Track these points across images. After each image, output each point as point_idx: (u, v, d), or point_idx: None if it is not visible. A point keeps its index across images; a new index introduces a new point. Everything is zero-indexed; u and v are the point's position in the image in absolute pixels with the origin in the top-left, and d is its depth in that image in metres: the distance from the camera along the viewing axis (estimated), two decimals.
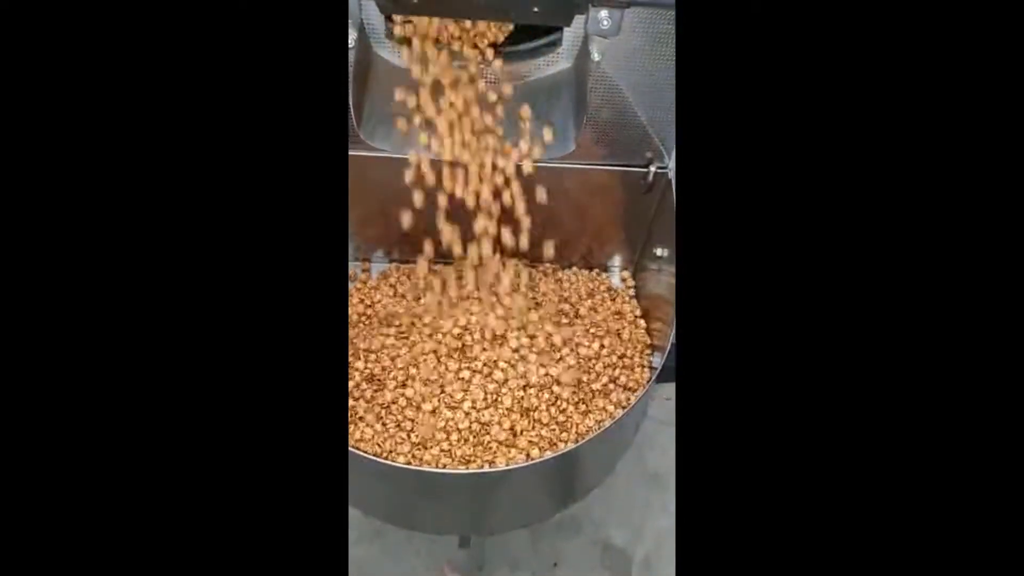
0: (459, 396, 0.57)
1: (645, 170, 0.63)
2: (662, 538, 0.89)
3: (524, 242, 0.57)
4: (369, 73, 0.53)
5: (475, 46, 0.51)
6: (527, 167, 0.56)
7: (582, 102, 0.55)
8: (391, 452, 0.55)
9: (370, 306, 0.67)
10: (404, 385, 0.58)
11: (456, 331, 0.60)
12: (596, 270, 0.72)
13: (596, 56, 0.52)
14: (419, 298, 0.65)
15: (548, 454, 0.54)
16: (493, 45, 0.51)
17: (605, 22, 0.49)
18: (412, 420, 0.56)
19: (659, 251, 0.65)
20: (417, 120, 0.53)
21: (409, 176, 0.55)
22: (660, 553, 0.88)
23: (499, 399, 0.56)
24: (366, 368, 0.60)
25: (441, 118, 0.52)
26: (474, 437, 0.55)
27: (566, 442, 0.56)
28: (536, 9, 0.44)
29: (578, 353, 0.61)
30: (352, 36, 0.50)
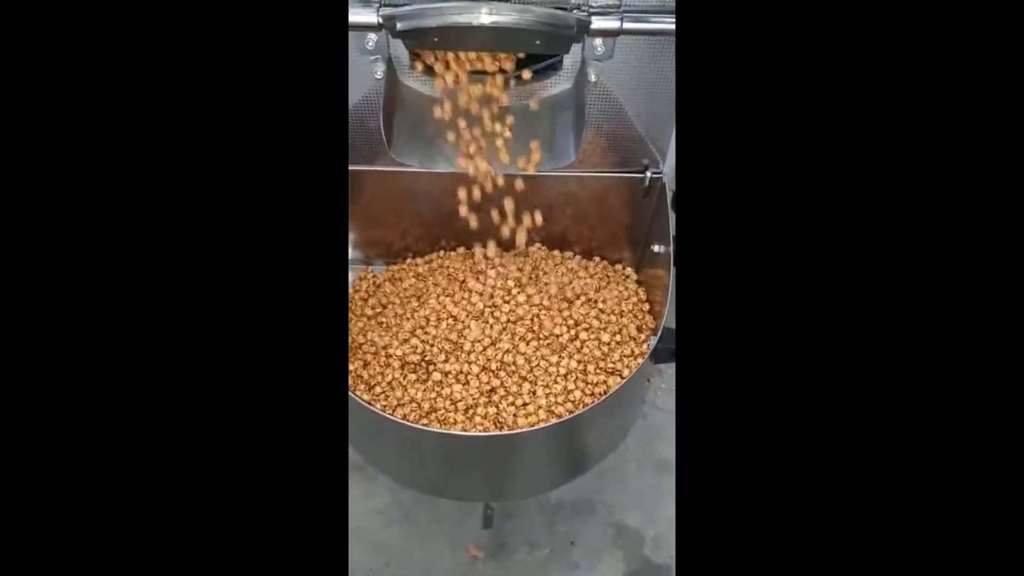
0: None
1: (642, 175, 0.70)
2: (671, 521, 0.95)
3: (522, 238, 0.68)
4: (396, 100, 0.62)
5: (495, 71, 0.59)
6: (531, 172, 0.64)
7: (581, 117, 0.63)
8: (432, 418, 0.64)
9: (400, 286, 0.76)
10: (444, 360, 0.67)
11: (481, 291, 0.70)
12: (604, 261, 0.81)
13: (593, 77, 0.60)
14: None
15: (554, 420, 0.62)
16: (502, 71, 0.60)
17: (600, 48, 0.58)
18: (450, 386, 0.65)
19: (656, 248, 0.72)
20: (449, 136, 0.62)
21: (462, 193, 0.65)
22: (669, 534, 0.94)
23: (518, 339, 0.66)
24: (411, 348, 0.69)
25: (464, 135, 0.61)
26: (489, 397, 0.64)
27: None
28: (538, 42, 0.53)
29: (581, 319, 0.69)
30: (381, 69, 0.59)
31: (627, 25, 0.54)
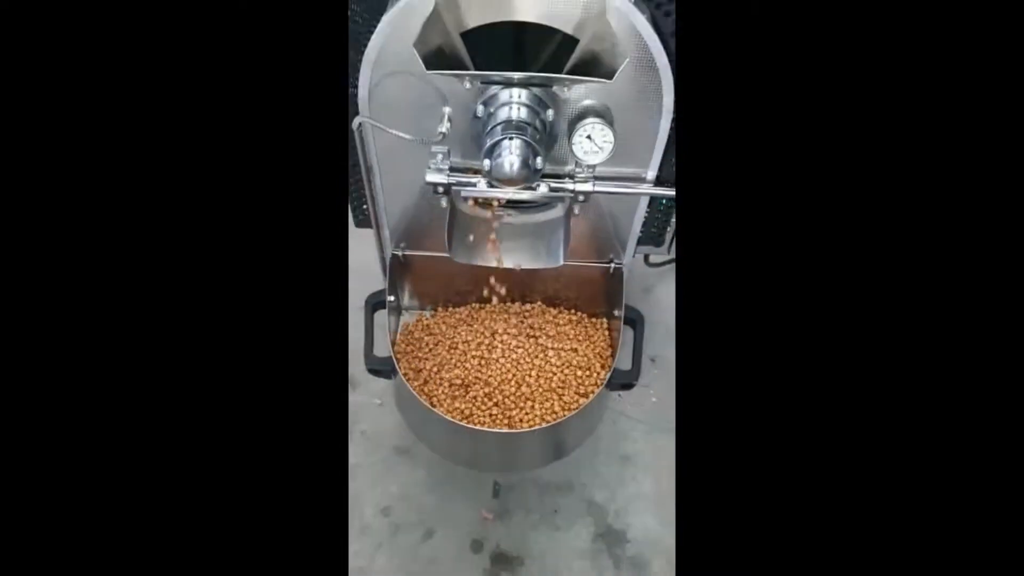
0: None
1: (608, 265, 1.05)
2: (629, 499, 1.30)
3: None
4: (455, 219, 0.97)
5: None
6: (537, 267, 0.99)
7: (567, 233, 0.97)
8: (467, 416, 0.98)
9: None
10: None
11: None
12: (582, 313, 1.15)
13: (576, 211, 0.95)
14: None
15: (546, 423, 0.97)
16: (517, 203, 0.94)
17: (581, 198, 0.92)
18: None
19: (616, 312, 1.07)
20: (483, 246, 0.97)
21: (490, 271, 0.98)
22: (627, 508, 1.28)
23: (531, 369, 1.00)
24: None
25: (491, 245, 0.96)
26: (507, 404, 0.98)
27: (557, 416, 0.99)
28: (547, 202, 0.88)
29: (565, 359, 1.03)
30: (445, 200, 0.93)
31: (597, 187, 0.88)
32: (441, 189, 0.84)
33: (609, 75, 0.72)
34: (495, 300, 1.03)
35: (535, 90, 0.78)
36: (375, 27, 0.75)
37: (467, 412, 0.96)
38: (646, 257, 1.60)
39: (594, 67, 0.75)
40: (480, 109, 0.79)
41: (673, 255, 1.43)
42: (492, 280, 1.00)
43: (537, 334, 1.06)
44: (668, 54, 0.74)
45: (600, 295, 1.09)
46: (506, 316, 1.07)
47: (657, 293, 1.63)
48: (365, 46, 0.76)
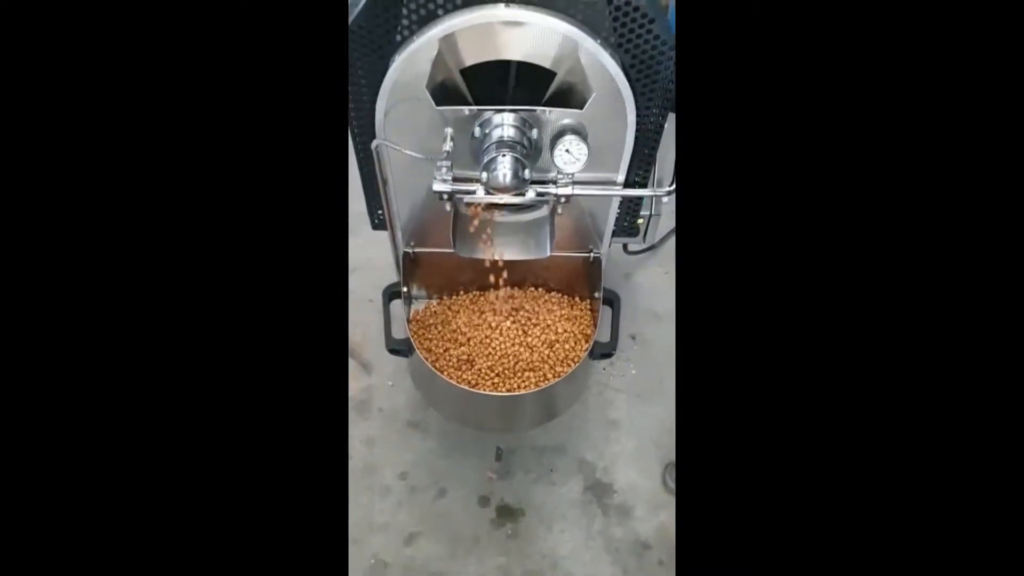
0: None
1: (588, 254, 1.23)
2: (614, 457, 1.48)
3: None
4: (458, 220, 1.14)
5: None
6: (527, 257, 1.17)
7: (552, 229, 1.15)
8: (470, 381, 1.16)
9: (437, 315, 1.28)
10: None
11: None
12: (567, 296, 1.33)
13: (560, 211, 1.12)
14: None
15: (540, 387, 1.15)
16: (509, 206, 1.11)
17: (563, 199, 1.10)
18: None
19: (596, 294, 1.25)
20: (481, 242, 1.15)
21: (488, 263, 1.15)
22: (613, 465, 1.46)
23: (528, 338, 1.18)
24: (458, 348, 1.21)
25: (488, 241, 1.14)
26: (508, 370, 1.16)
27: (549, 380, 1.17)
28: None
29: (553, 336, 1.22)
30: (448, 206, 1.11)
31: (576, 190, 1.06)
32: (446, 196, 1.01)
33: (580, 105, 0.90)
34: (501, 284, 1.20)
35: (522, 114, 0.95)
36: (376, 94, 0.91)
37: (473, 382, 1.14)
38: (625, 246, 1.78)
39: (569, 96, 0.92)
40: (477, 130, 0.97)
41: (647, 244, 1.61)
42: (497, 267, 1.18)
43: (530, 315, 1.24)
44: (630, 83, 0.92)
45: (583, 280, 1.27)
46: (503, 300, 1.25)
47: (636, 279, 1.82)
48: (366, 103, 0.92)
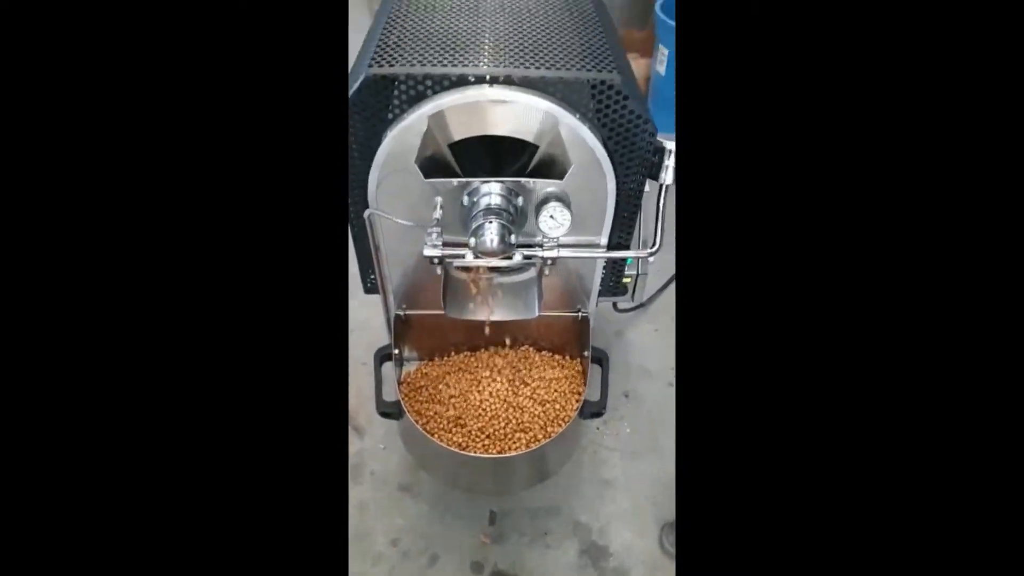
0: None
1: (577, 314, 1.26)
2: (609, 517, 1.46)
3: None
4: (448, 283, 1.18)
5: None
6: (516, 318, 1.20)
7: (540, 289, 1.18)
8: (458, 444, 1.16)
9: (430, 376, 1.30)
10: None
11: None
12: (557, 355, 1.35)
13: (547, 272, 1.16)
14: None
15: (530, 447, 1.15)
16: (497, 269, 1.15)
17: (549, 261, 1.14)
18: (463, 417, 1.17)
19: (585, 353, 1.27)
20: (471, 303, 1.18)
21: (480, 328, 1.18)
22: (608, 527, 1.44)
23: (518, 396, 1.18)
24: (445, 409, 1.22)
25: (479, 299, 1.17)
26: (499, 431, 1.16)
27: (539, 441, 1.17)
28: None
29: (544, 395, 1.23)
30: (439, 269, 1.15)
31: (561, 253, 1.10)
32: (436, 260, 1.05)
33: (561, 175, 0.95)
34: (492, 344, 1.22)
35: (508, 183, 1.00)
36: (369, 166, 0.96)
37: (463, 444, 1.14)
38: (615, 305, 1.81)
39: (551, 167, 0.97)
40: (466, 199, 1.01)
41: (636, 303, 1.65)
42: (487, 330, 1.20)
43: (520, 375, 1.26)
44: (609, 153, 0.97)
45: (573, 339, 1.29)
46: (493, 361, 1.27)
47: (628, 336, 1.84)
48: (360, 175, 0.98)
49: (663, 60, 2.17)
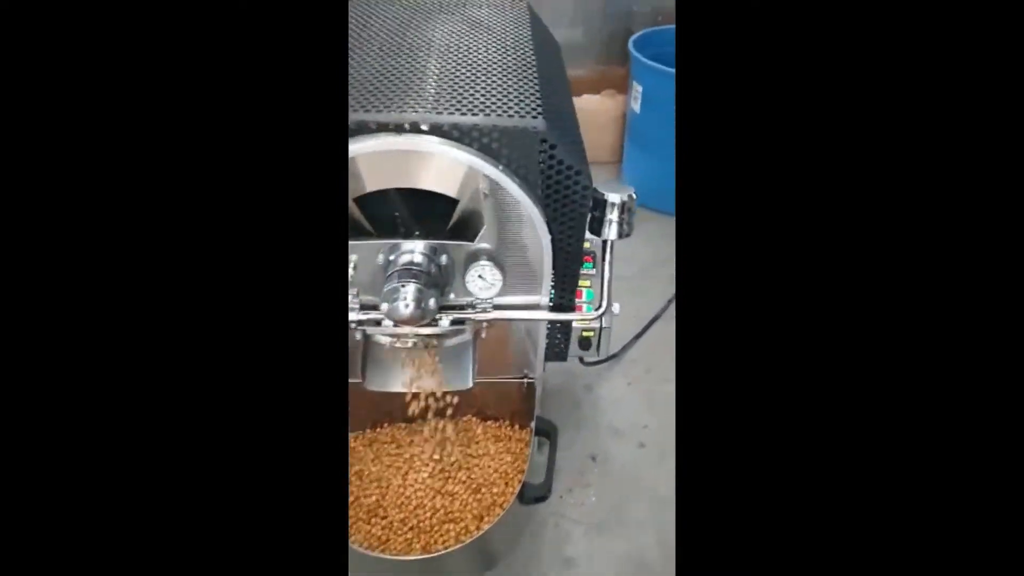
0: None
1: (522, 380, 1.13)
2: None
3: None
4: (368, 351, 1.05)
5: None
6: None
7: (475, 355, 1.05)
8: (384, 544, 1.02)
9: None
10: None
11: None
12: (506, 426, 1.22)
13: (483, 335, 1.03)
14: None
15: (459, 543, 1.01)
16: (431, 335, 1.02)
17: (484, 324, 1.01)
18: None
19: (532, 424, 1.13)
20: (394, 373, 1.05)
21: (411, 399, 1.05)
22: None
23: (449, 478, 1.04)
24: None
25: (408, 369, 1.04)
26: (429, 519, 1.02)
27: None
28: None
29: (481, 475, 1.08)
30: (360, 334, 1.02)
31: (495, 315, 0.98)
32: (354, 325, 0.93)
33: (471, 238, 0.83)
34: (429, 414, 1.09)
35: (429, 240, 0.88)
36: None
37: (384, 538, 1.00)
38: (581, 359, 1.68)
39: (472, 223, 0.86)
40: (381, 258, 0.89)
41: (603, 356, 1.51)
42: (422, 398, 1.07)
43: (454, 451, 1.12)
44: (539, 207, 0.86)
45: (520, 408, 1.16)
46: (424, 436, 1.13)
47: (599, 390, 1.70)
48: None
49: (637, 97, 2.08)
